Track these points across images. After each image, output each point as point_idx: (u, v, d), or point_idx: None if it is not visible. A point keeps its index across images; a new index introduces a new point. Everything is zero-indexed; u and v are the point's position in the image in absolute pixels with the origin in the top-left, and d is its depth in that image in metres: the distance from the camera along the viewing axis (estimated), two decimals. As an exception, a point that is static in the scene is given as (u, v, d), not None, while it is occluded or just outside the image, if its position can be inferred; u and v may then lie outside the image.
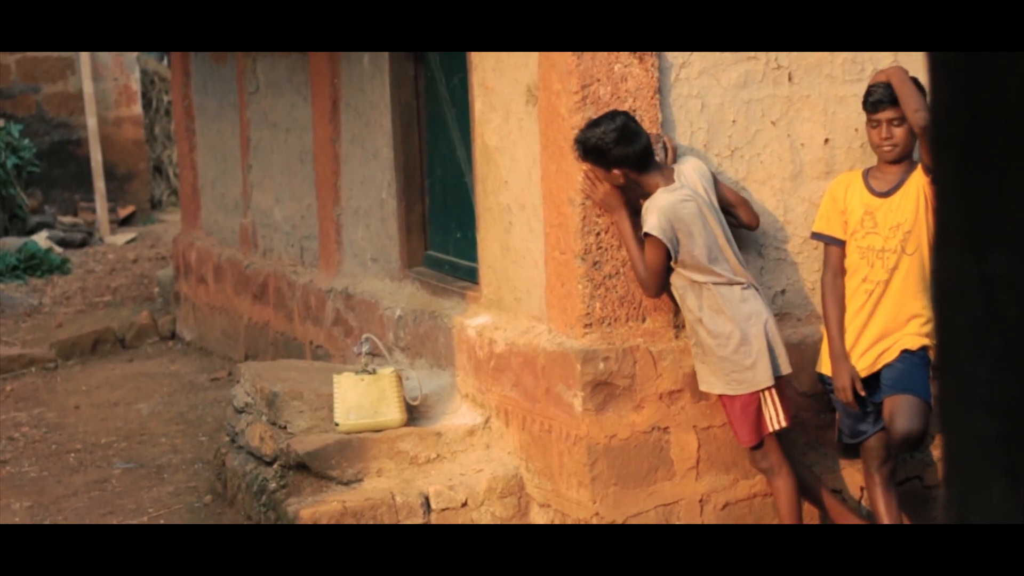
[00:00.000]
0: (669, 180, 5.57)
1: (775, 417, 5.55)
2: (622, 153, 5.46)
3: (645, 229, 5.51)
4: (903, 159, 5.66)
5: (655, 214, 5.49)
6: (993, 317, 1.74)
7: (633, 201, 5.62)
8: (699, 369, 5.66)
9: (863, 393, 5.66)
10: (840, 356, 5.68)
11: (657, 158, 5.69)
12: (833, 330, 5.70)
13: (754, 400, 5.54)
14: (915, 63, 6.01)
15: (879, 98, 5.64)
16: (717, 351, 5.53)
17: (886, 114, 5.62)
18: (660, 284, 5.60)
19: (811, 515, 5.90)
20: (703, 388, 5.67)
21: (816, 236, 5.83)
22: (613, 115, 5.50)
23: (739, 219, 5.78)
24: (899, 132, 5.62)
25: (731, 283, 5.53)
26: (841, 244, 5.73)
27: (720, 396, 5.64)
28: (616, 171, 5.51)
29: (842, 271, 5.74)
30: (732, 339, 5.50)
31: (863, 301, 5.66)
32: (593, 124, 5.50)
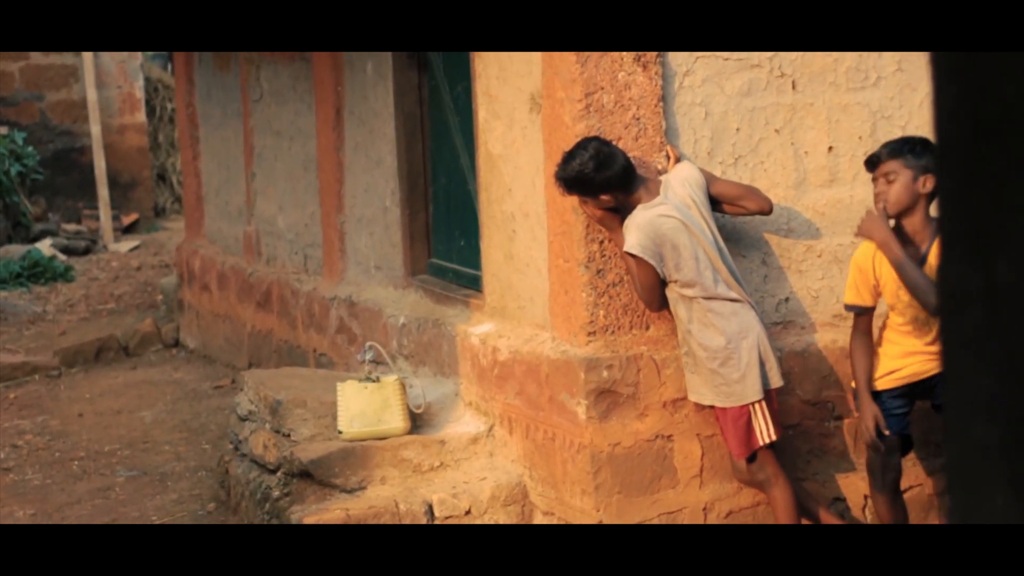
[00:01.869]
0: (654, 194, 5.55)
1: (765, 430, 5.53)
2: (605, 178, 5.44)
3: (625, 248, 5.51)
4: (902, 214, 5.46)
5: (634, 233, 5.49)
6: (997, 325, 1.74)
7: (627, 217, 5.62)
8: (689, 379, 5.66)
9: (887, 432, 5.59)
10: (866, 399, 5.58)
11: (659, 167, 5.69)
12: (861, 380, 5.58)
13: (744, 413, 5.53)
14: (918, 68, 6.01)
15: (873, 157, 5.51)
16: (706, 363, 5.52)
17: (880, 169, 5.48)
18: (658, 299, 5.59)
19: (815, 523, 5.89)
20: (692, 398, 5.66)
21: (849, 308, 5.63)
22: (584, 144, 5.48)
23: (749, 209, 5.71)
24: (891, 188, 5.44)
25: (721, 298, 5.51)
26: (872, 309, 5.63)
27: (713, 407, 5.63)
28: (604, 196, 5.50)
29: (870, 332, 5.62)
30: (720, 353, 5.49)
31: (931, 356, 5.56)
32: (568, 158, 5.47)
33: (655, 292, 5.56)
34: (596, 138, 5.50)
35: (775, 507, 5.63)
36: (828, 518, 5.78)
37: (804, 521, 5.72)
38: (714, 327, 5.49)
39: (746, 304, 5.56)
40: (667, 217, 5.47)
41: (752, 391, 5.49)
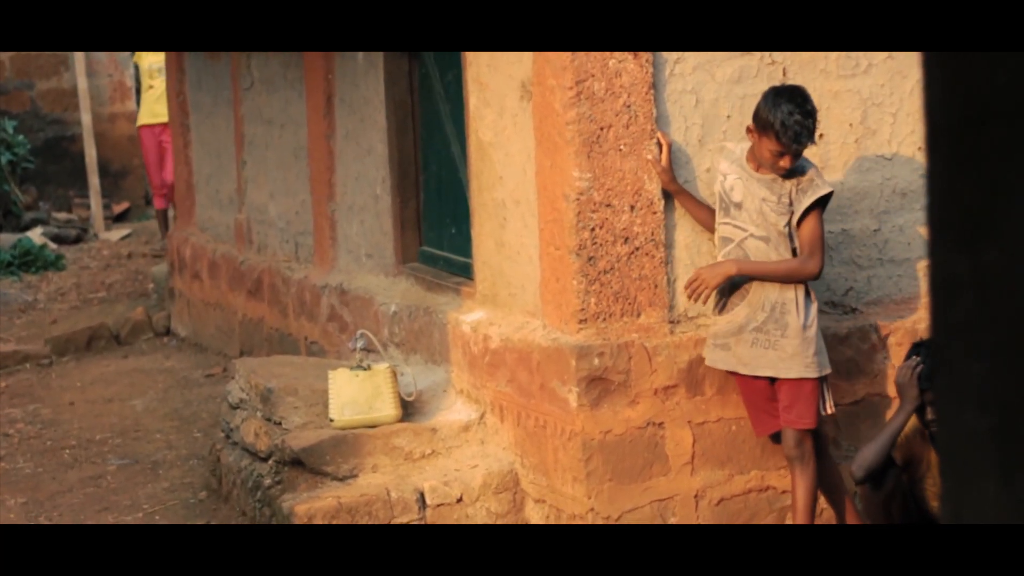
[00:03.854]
0: None
1: (828, 402, 5.59)
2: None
3: (826, 193, 5.49)
4: None
5: (825, 188, 5.52)
6: (987, 312, 1.74)
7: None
8: (761, 355, 5.54)
9: None
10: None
11: (650, 156, 5.68)
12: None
13: (819, 384, 5.56)
14: (909, 55, 6.01)
15: None
16: (805, 331, 5.49)
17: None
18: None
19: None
20: (767, 373, 5.55)
21: None
22: (791, 89, 5.46)
23: None
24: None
25: None
26: None
27: (785, 381, 5.53)
28: None
29: None
30: (816, 321, 5.54)
31: None
32: (802, 108, 5.35)
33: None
34: (783, 87, 5.52)
35: (796, 487, 5.52)
36: (843, 504, 5.78)
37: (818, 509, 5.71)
38: (812, 294, 5.56)
39: None
40: None
41: (827, 361, 5.59)
